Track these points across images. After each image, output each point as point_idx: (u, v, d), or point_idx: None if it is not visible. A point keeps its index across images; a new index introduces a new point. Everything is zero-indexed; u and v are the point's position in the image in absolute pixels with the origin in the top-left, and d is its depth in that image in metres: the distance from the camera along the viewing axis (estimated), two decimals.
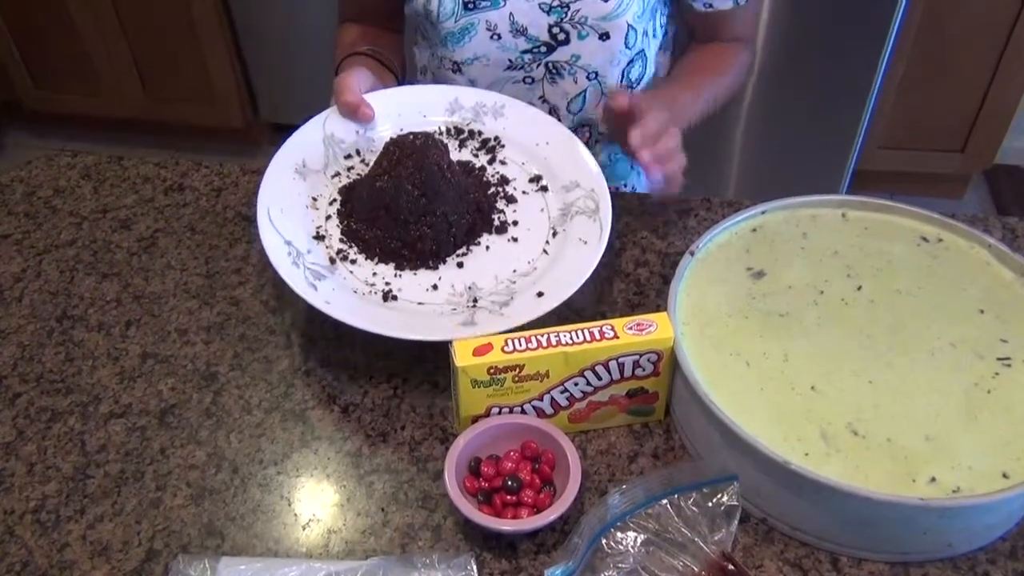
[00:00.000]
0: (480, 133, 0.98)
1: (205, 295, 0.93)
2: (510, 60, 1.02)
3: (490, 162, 0.96)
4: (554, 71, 1.02)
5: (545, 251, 0.87)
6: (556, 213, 0.91)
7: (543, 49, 1.01)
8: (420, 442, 0.79)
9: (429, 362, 0.85)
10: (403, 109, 0.97)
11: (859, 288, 0.82)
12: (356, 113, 0.94)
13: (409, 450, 0.78)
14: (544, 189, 0.93)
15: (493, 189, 0.93)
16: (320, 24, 2.38)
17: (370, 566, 0.69)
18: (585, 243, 0.86)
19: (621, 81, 1.04)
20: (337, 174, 0.93)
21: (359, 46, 1.08)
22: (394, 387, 0.84)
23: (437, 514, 0.74)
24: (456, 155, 0.95)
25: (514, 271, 0.86)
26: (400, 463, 0.77)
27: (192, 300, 0.93)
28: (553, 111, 1.06)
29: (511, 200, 0.92)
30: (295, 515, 0.74)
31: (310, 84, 2.52)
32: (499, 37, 1.00)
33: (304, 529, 0.73)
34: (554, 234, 0.89)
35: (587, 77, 1.03)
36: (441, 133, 0.97)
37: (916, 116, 2.28)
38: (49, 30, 2.53)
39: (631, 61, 1.03)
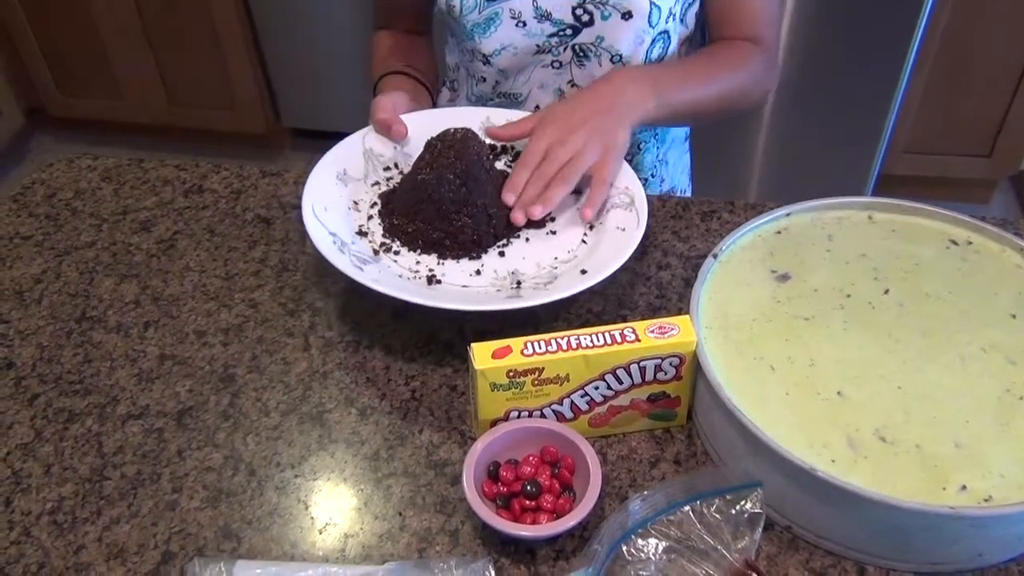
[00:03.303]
0: (513, 148, 1.01)
1: (223, 297, 0.93)
2: (537, 45, 1.02)
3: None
4: (581, 54, 1.02)
5: (584, 241, 0.89)
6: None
7: (569, 32, 1.00)
8: (438, 446, 0.78)
9: (447, 365, 0.85)
10: (437, 130, 0.98)
11: (887, 292, 0.80)
12: (390, 131, 0.97)
13: (427, 454, 0.78)
14: (578, 192, 0.95)
15: None
16: (342, 30, 2.39)
17: (387, 571, 0.68)
18: (623, 230, 0.87)
19: (644, 62, 1.02)
20: (377, 183, 0.96)
21: (393, 61, 1.11)
22: (412, 390, 0.83)
23: (455, 519, 0.73)
24: None
25: (555, 258, 0.88)
26: (418, 467, 0.77)
27: (210, 302, 0.92)
28: None
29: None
30: (312, 519, 0.73)
31: (331, 89, 2.53)
32: (524, 24, 1.00)
33: (321, 533, 0.72)
34: (591, 227, 0.91)
35: (611, 60, 1.02)
36: None
37: (942, 120, 2.25)
38: (73, 37, 2.56)
39: (653, 40, 1.01)
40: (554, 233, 0.91)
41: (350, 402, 0.82)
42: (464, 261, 0.87)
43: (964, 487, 0.65)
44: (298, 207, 0.91)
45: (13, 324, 0.91)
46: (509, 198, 0.89)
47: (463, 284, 0.84)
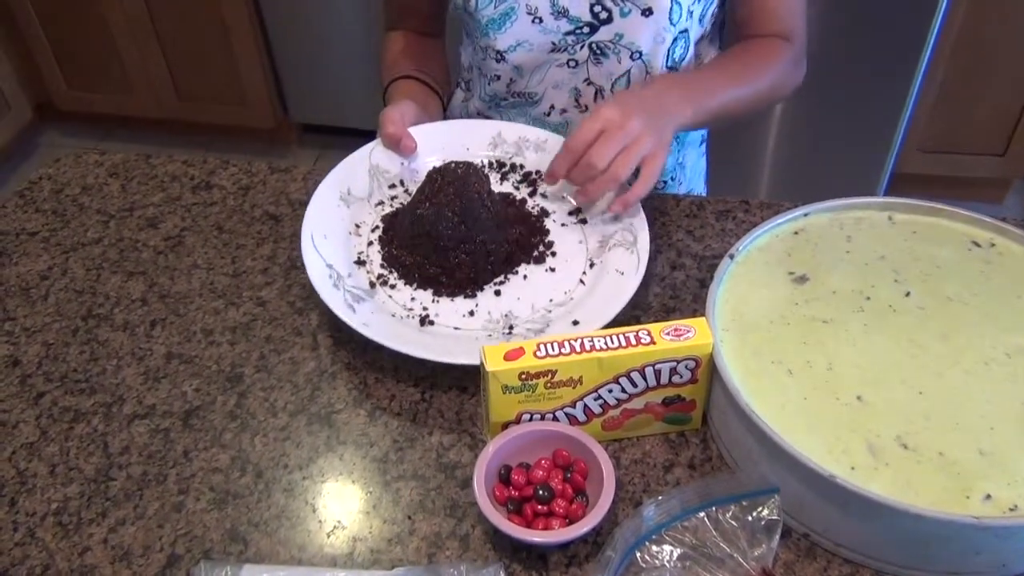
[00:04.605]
0: (522, 167, 0.99)
1: (231, 295, 0.92)
2: (553, 43, 1.00)
3: (531, 195, 0.97)
4: (598, 51, 1.00)
5: (582, 281, 0.88)
6: (595, 245, 0.91)
7: (586, 30, 0.99)
8: (448, 448, 0.77)
9: (458, 366, 0.83)
10: (447, 143, 0.98)
11: (907, 294, 0.79)
12: (398, 146, 0.96)
13: (437, 456, 0.76)
14: (583, 222, 0.94)
15: (533, 220, 0.94)
16: (350, 25, 2.38)
17: None
18: (622, 274, 0.85)
19: (666, 62, 1.01)
20: (381, 202, 0.95)
21: (404, 65, 1.10)
22: (422, 391, 0.82)
23: (465, 523, 0.71)
24: (498, 188, 0.97)
25: (551, 300, 0.86)
26: (428, 470, 0.75)
27: (218, 300, 0.91)
28: (599, 93, 1.04)
29: (550, 232, 0.93)
30: (320, 522, 0.72)
31: (340, 84, 2.52)
32: (540, 20, 0.99)
33: (329, 536, 0.71)
34: (591, 265, 0.89)
35: (631, 57, 1.00)
36: (484, 166, 0.99)
37: (956, 119, 2.23)
38: (82, 31, 2.55)
39: (675, 39, 1.00)
40: (553, 270, 0.89)
41: (359, 403, 0.81)
42: (459, 299, 0.86)
43: (989, 496, 0.63)
44: (306, 204, 0.90)
45: (19, 321, 0.90)
46: (552, 182, 0.89)
47: (455, 326, 0.83)
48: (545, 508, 0.69)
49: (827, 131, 2.12)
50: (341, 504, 0.73)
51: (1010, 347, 0.73)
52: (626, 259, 0.87)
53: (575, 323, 0.82)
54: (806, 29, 1.06)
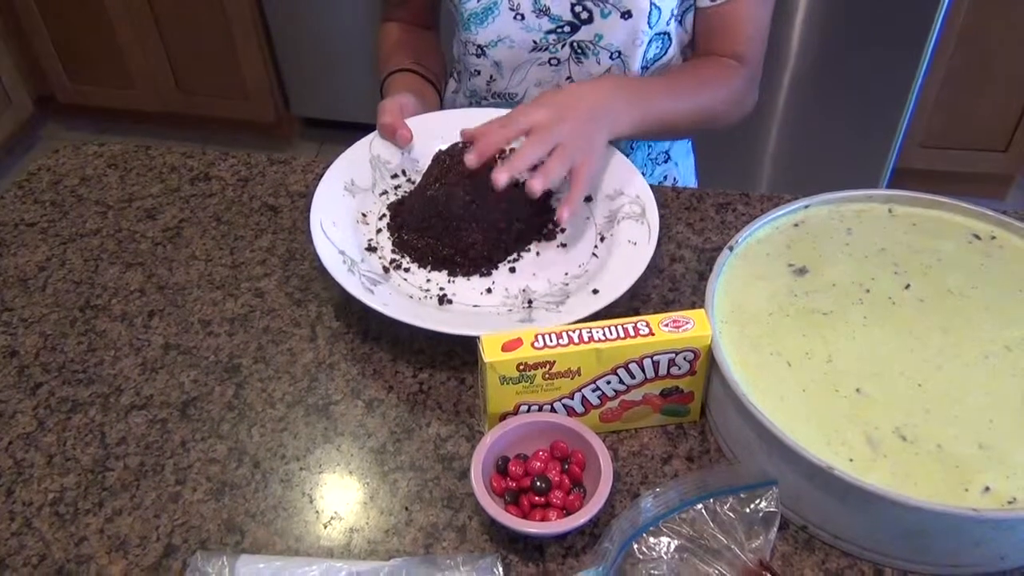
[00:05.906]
0: None
1: (229, 286, 0.92)
2: (534, 42, 1.00)
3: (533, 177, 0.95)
4: (579, 51, 1.00)
5: (595, 254, 0.88)
6: (602, 220, 0.91)
7: (567, 29, 0.98)
8: (446, 439, 0.77)
9: (456, 357, 0.83)
10: (445, 131, 0.97)
11: (907, 287, 0.78)
12: (394, 136, 0.96)
13: (434, 447, 0.76)
14: (588, 199, 0.93)
15: (538, 200, 0.92)
16: (352, 19, 2.38)
17: (393, 567, 0.67)
18: (634, 244, 0.86)
19: (641, 62, 1.01)
20: (384, 192, 0.95)
21: (399, 57, 1.10)
22: (420, 382, 0.81)
23: (462, 514, 0.71)
24: None
25: (566, 274, 0.86)
26: (425, 461, 0.75)
27: (216, 291, 0.91)
28: None
29: (555, 210, 0.92)
30: (317, 512, 0.72)
31: (341, 79, 2.52)
32: (522, 17, 0.98)
33: (326, 527, 0.71)
34: (602, 239, 0.89)
35: (610, 57, 1.00)
36: None
37: (959, 114, 2.22)
38: (83, 24, 2.55)
39: (650, 41, 0.99)
40: (564, 246, 0.89)
41: (356, 394, 0.81)
42: (475, 278, 0.86)
43: (987, 488, 0.63)
44: (306, 195, 0.90)
45: (17, 312, 0.90)
46: (472, 160, 0.82)
47: (474, 304, 0.84)
48: (542, 499, 0.69)
49: (829, 126, 2.12)
50: (338, 495, 0.73)
51: (1010, 340, 0.73)
52: (637, 230, 0.87)
53: (595, 292, 0.82)
54: (762, 59, 1.04)
